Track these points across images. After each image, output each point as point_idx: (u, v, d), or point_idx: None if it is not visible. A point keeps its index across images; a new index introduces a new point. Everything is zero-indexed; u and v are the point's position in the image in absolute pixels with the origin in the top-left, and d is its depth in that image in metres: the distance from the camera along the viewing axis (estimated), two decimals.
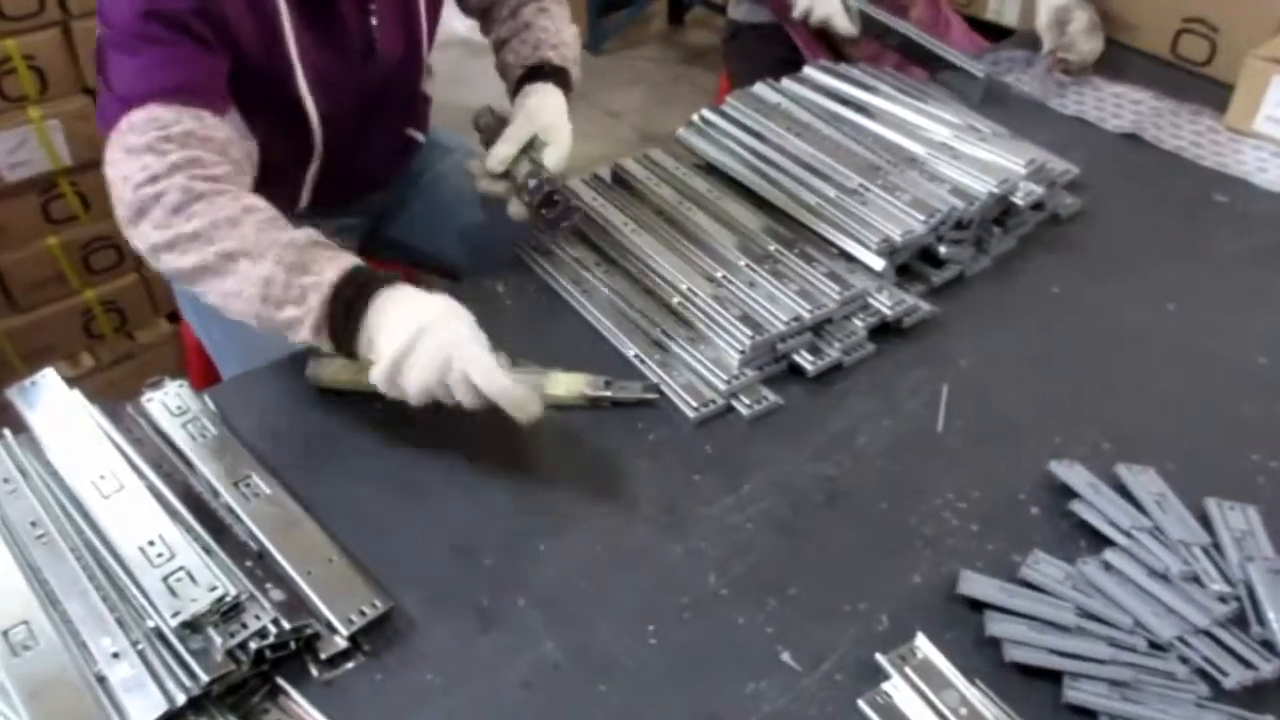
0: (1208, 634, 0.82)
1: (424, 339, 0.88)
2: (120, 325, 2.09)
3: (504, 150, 1.16)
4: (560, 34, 1.29)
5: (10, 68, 1.73)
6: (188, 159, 0.94)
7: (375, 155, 1.34)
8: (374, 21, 1.16)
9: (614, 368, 1.07)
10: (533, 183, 1.13)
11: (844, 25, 1.63)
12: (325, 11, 1.11)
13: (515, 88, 1.26)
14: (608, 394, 1.02)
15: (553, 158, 1.17)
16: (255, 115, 1.15)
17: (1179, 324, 1.19)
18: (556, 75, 1.25)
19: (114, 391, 2.05)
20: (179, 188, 0.92)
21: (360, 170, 1.32)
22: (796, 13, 1.69)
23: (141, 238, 0.95)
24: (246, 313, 0.94)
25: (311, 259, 0.92)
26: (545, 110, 1.20)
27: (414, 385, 0.89)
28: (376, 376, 0.91)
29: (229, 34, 1.04)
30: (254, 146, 1.15)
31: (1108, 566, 0.87)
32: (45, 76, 1.78)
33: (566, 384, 1.02)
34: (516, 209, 1.17)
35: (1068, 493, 0.95)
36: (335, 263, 0.92)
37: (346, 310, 0.90)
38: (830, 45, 1.84)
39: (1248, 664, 0.80)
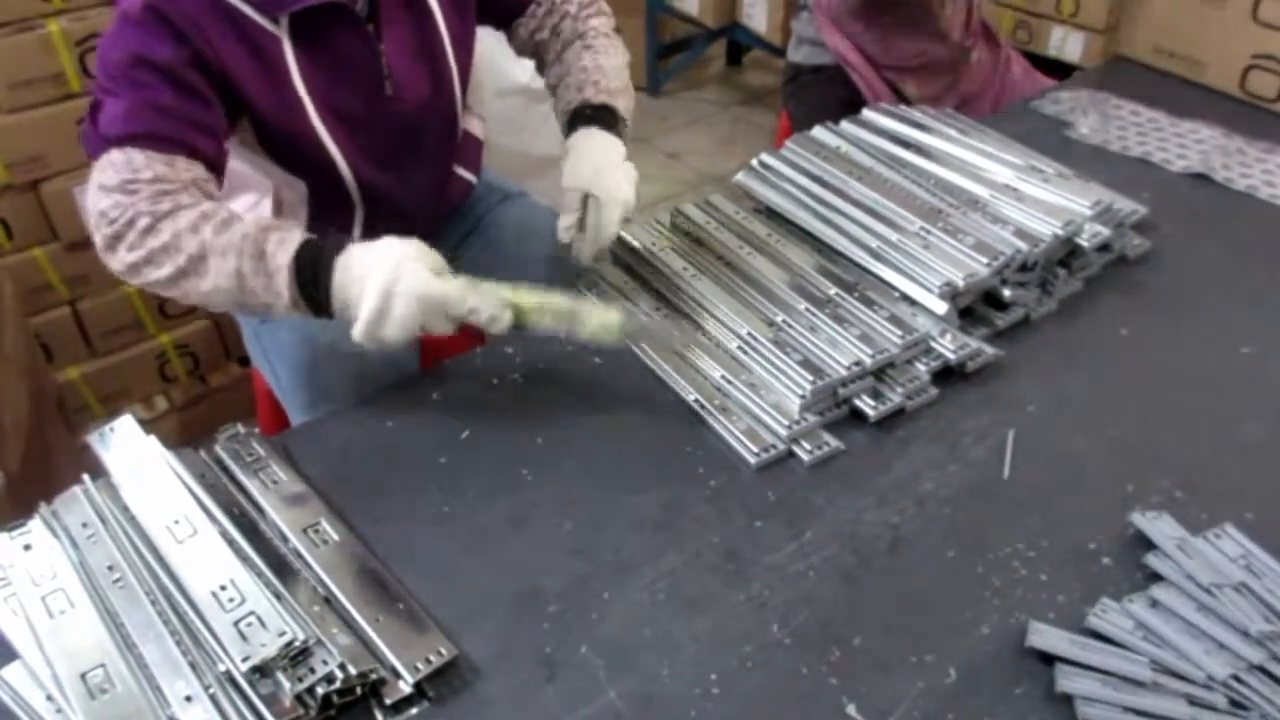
0: None
1: (396, 295, 0.98)
2: (193, 369, 2.15)
3: (564, 223, 1.23)
4: (601, 68, 1.30)
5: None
6: (155, 193, 1.04)
7: (419, 195, 1.35)
8: (384, 58, 1.19)
9: (675, 413, 1.08)
10: None
11: None
12: (327, 46, 1.15)
13: (566, 133, 1.29)
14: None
15: (610, 218, 1.19)
16: (285, 157, 1.21)
17: (1253, 367, 1.16)
18: (599, 115, 1.26)
19: (187, 433, 2.11)
20: (146, 213, 1.03)
21: (407, 210, 1.34)
22: None
23: (119, 261, 1.05)
24: (229, 304, 1.05)
25: (266, 245, 1.01)
26: (584, 166, 1.21)
27: (394, 336, 0.99)
28: (356, 335, 1.00)
29: (229, 81, 1.10)
30: (301, 185, 1.25)
31: (1184, 620, 0.84)
32: None
33: (599, 316, 1.03)
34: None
35: (1141, 542, 0.93)
36: (285, 245, 1.02)
37: (313, 282, 1.01)
38: (893, 87, 1.84)
39: None
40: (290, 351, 1.32)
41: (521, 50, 1.41)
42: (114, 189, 1.04)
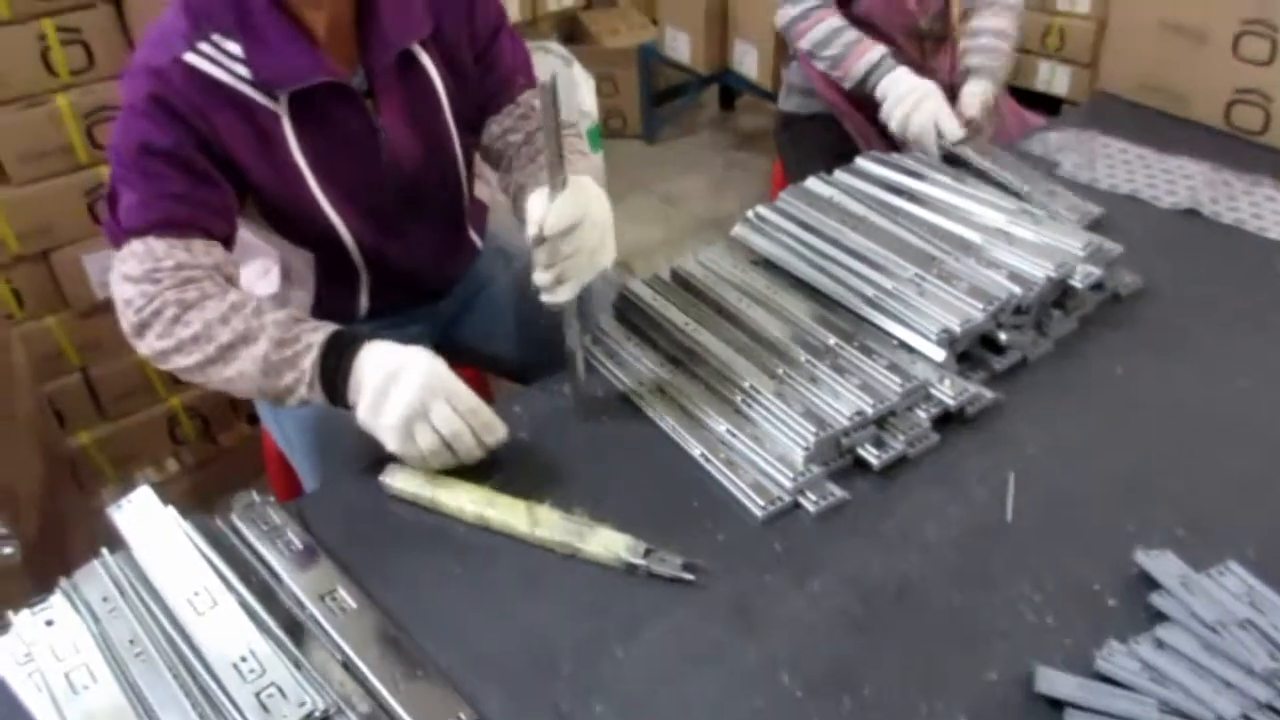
0: None
1: (404, 374, 1.03)
2: (203, 430, 2.17)
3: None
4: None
5: (103, 193, 1.83)
6: (179, 280, 1.09)
7: (426, 260, 1.38)
8: (379, 128, 1.22)
9: (680, 467, 1.10)
10: None
11: (930, 149, 1.65)
12: (325, 121, 1.18)
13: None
14: (644, 563, 0.97)
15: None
16: (289, 228, 1.25)
17: (1250, 401, 1.18)
18: None
19: (199, 494, 2.13)
20: (174, 303, 1.08)
21: (414, 275, 1.37)
22: (883, 113, 1.72)
23: (148, 346, 1.10)
24: (250, 389, 1.08)
25: (299, 331, 1.07)
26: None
27: (395, 412, 1.02)
28: (360, 413, 1.05)
29: (231, 161, 1.14)
30: (307, 254, 1.27)
31: (1191, 659, 0.86)
32: None
33: (605, 543, 0.99)
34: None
35: (1145, 581, 0.94)
36: (319, 331, 1.08)
37: (336, 365, 1.06)
38: (884, 132, 1.87)
39: None
40: (300, 412, 1.34)
41: (489, 146, 1.37)
42: (139, 279, 1.09)
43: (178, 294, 1.08)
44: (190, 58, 1.10)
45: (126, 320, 1.10)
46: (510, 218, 1.70)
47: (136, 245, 1.10)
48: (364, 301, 1.36)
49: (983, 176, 1.54)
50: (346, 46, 1.19)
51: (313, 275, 1.31)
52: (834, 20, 1.79)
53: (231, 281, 1.14)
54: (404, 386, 1.02)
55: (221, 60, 1.11)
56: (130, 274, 1.09)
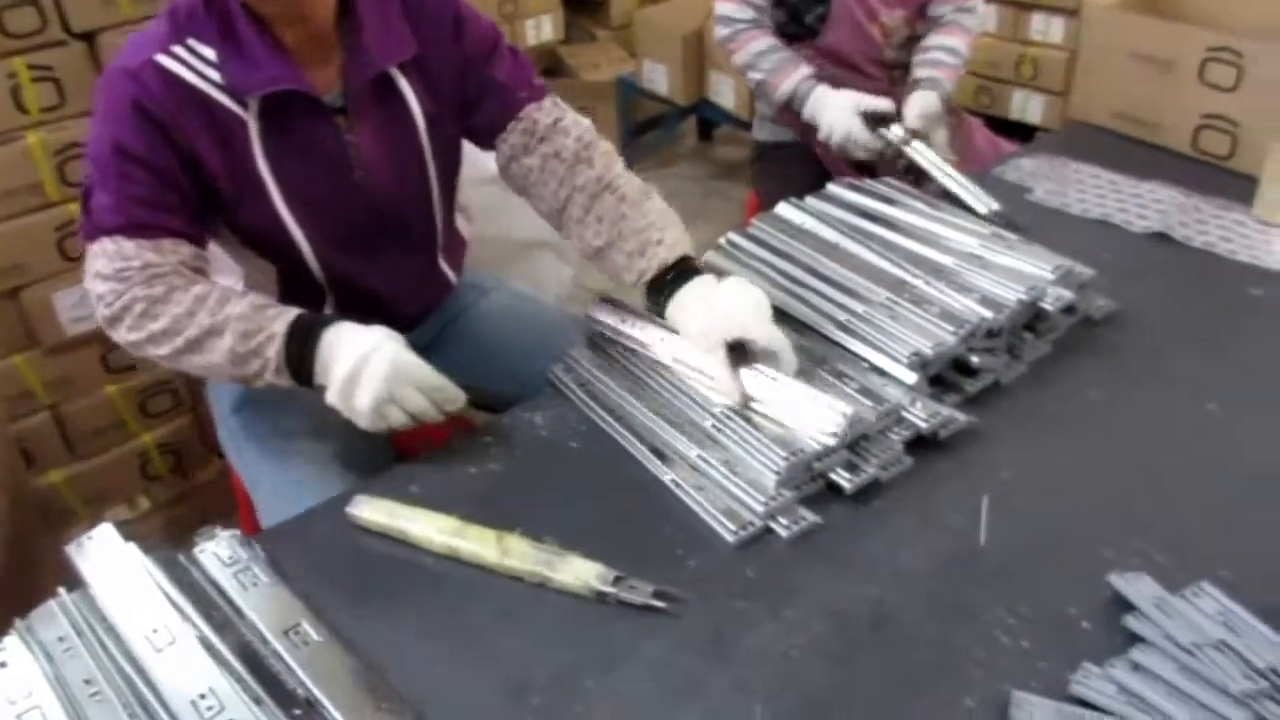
0: None
1: (371, 362, 1.10)
2: (175, 466, 2.14)
3: (727, 386, 1.12)
4: (651, 219, 1.26)
5: (73, 230, 1.82)
6: (146, 278, 1.14)
7: (394, 286, 1.36)
8: (351, 147, 1.22)
9: (652, 493, 1.09)
10: None
11: (865, 142, 1.73)
12: (293, 132, 1.18)
13: (651, 295, 1.24)
14: (614, 591, 0.96)
15: (789, 363, 1.14)
16: (251, 239, 1.26)
17: (1221, 425, 1.17)
18: (684, 268, 1.22)
19: (172, 530, 2.10)
20: (142, 299, 1.14)
21: (380, 301, 1.35)
22: (820, 136, 1.77)
23: (120, 337, 1.17)
24: (223, 376, 1.17)
25: (262, 321, 1.13)
26: (728, 319, 1.13)
27: (366, 399, 1.10)
28: (330, 397, 1.12)
29: (197, 161, 1.16)
30: (270, 269, 1.29)
31: (1166, 682, 0.85)
32: None
33: (575, 572, 0.97)
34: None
35: (1120, 604, 0.93)
36: (281, 319, 1.14)
37: (300, 351, 1.12)
38: (855, 161, 1.88)
39: None
40: (261, 444, 1.33)
41: (505, 168, 1.35)
42: (109, 277, 1.14)
43: (145, 289, 1.13)
44: (162, 59, 1.13)
45: (99, 313, 1.16)
46: (487, 253, 1.70)
47: (107, 244, 1.14)
48: None
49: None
50: (328, 65, 1.20)
51: (275, 291, 1.30)
52: (760, 42, 1.83)
53: (200, 273, 1.17)
54: (372, 374, 1.09)
55: (193, 64, 1.14)
56: (101, 271, 1.14)
